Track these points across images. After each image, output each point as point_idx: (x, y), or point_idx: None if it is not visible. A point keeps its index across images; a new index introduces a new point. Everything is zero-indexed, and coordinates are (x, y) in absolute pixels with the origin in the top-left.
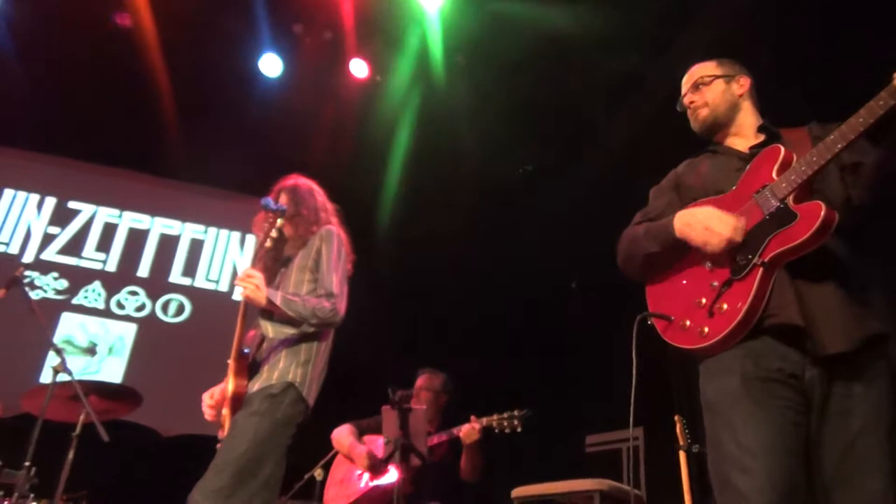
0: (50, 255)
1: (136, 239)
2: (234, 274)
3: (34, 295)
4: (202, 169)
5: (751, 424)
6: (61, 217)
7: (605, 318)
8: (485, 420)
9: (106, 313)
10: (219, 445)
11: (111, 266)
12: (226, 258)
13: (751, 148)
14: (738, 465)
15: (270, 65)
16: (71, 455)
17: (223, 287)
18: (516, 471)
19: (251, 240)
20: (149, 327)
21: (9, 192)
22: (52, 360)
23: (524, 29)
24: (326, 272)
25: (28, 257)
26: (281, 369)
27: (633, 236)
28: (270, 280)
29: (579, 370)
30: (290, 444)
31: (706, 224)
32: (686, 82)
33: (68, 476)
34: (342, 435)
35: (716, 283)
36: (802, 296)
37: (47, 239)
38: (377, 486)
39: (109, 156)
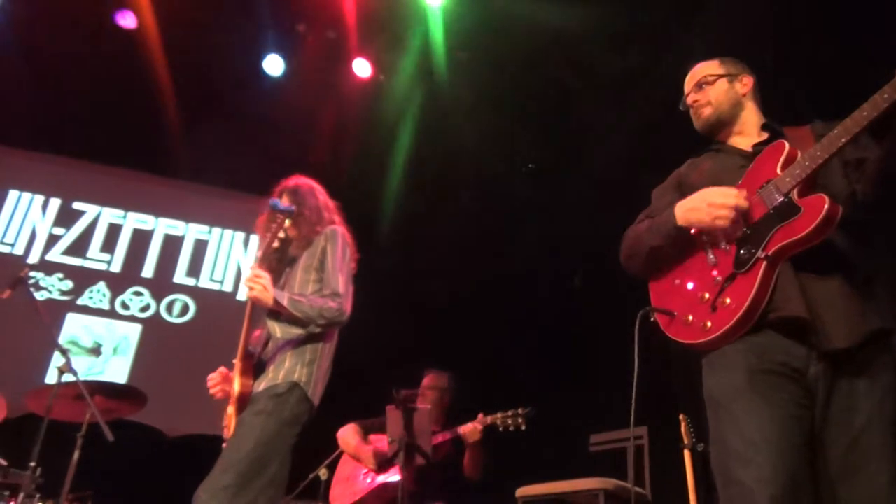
0: (55, 255)
1: (141, 239)
2: (239, 274)
3: (39, 296)
4: (206, 169)
5: (754, 418)
6: (66, 218)
7: (609, 316)
8: (489, 418)
9: (111, 314)
10: (224, 445)
11: (116, 267)
12: (230, 258)
13: (754, 146)
14: (742, 458)
15: (274, 64)
16: (76, 455)
17: (227, 287)
18: (521, 470)
19: (255, 240)
20: (153, 328)
21: (13, 193)
22: (57, 360)
23: (526, 26)
24: (332, 272)
25: (33, 258)
26: (286, 369)
27: (636, 233)
28: (276, 281)
29: (583, 368)
30: (295, 444)
31: (708, 201)
32: (689, 81)
33: (74, 476)
34: (348, 434)
35: (719, 278)
36: (807, 290)
37: (52, 240)
38: (382, 485)
39: (114, 156)
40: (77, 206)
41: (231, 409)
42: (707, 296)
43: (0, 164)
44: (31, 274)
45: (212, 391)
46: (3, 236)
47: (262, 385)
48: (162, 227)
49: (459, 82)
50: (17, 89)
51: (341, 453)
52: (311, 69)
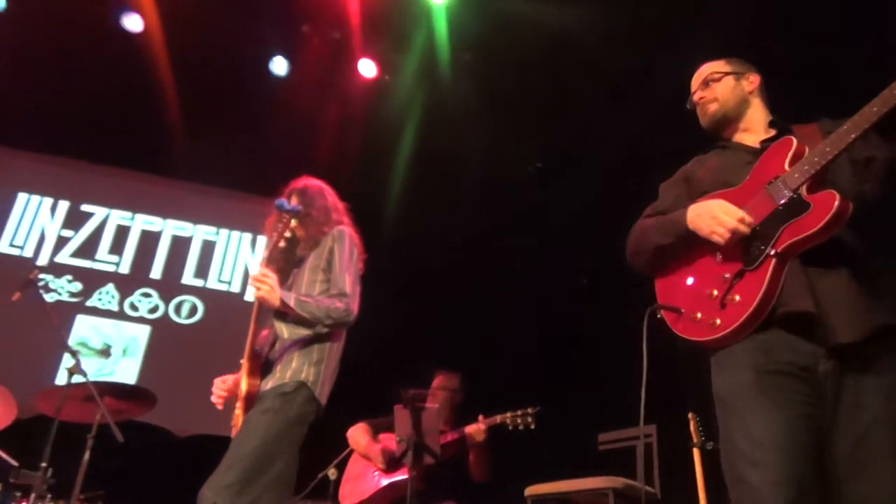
0: (64, 257)
1: (149, 241)
2: (247, 275)
3: (49, 298)
4: (214, 171)
5: (762, 418)
6: (74, 220)
7: (616, 315)
8: (498, 418)
9: (120, 315)
10: None
11: (124, 268)
12: (237, 259)
13: (762, 142)
14: (750, 458)
15: (279, 65)
16: (87, 456)
17: (235, 288)
18: (529, 469)
19: (262, 241)
20: (162, 329)
21: (23, 196)
22: (67, 361)
23: (531, 25)
24: (339, 272)
25: (42, 260)
26: (294, 368)
27: (643, 229)
28: (283, 281)
29: (591, 367)
30: (304, 443)
31: (713, 214)
32: (695, 80)
33: (84, 476)
34: (358, 433)
35: (727, 275)
36: (815, 285)
37: (61, 242)
38: (391, 484)
39: (121, 159)
40: (85, 208)
41: (238, 409)
42: (715, 293)
43: (9, 167)
44: (41, 276)
45: (215, 398)
46: (13, 239)
47: (269, 384)
48: (170, 228)
49: (463, 82)
50: (25, 92)
51: (351, 452)
52: (317, 70)
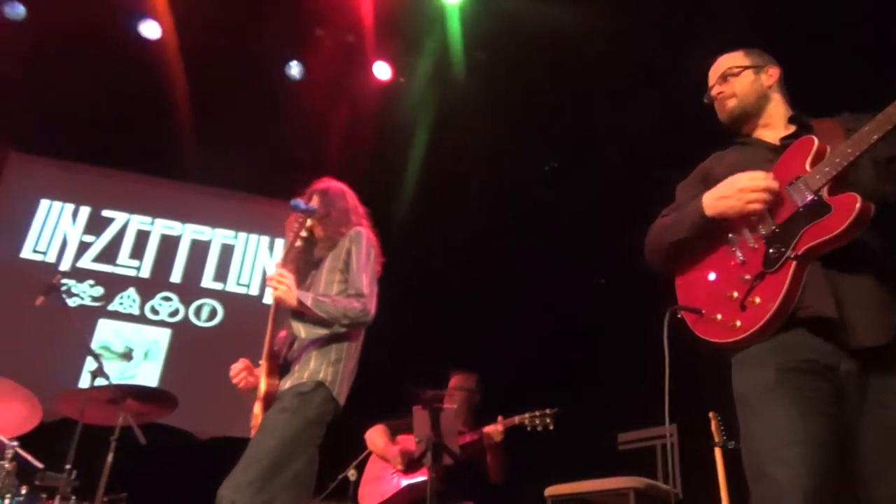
0: (85, 262)
1: (169, 245)
2: (265, 277)
3: (72, 302)
4: (231, 175)
5: (783, 416)
6: (95, 225)
7: (634, 314)
8: (516, 418)
9: (141, 319)
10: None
11: (145, 272)
12: (256, 262)
13: (782, 139)
14: (772, 456)
15: (294, 69)
16: (110, 458)
17: (254, 291)
18: (549, 469)
19: (280, 244)
20: (182, 332)
21: (45, 203)
22: (90, 365)
23: (543, 24)
24: (356, 272)
25: (65, 265)
26: (312, 368)
27: (661, 227)
28: (302, 282)
29: (609, 367)
30: (324, 444)
31: (738, 186)
32: (713, 74)
33: (108, 478)
34: (376, 435)
35: (747, 276)
36: (836, 288)
37: (83, 247)
38: (410, 485)
39: (140, 164)
40: (106, 213)
41: (257, 409)
42: (736, 294)
43: (31, 174)
44: (63, 281)
45: (235, 380)
46: (36, 245)
47: (287, 384)
48: (189, 232)
49: (476, 82)
50: (45, 100)
51: (370, 454)
52: (331, 73)
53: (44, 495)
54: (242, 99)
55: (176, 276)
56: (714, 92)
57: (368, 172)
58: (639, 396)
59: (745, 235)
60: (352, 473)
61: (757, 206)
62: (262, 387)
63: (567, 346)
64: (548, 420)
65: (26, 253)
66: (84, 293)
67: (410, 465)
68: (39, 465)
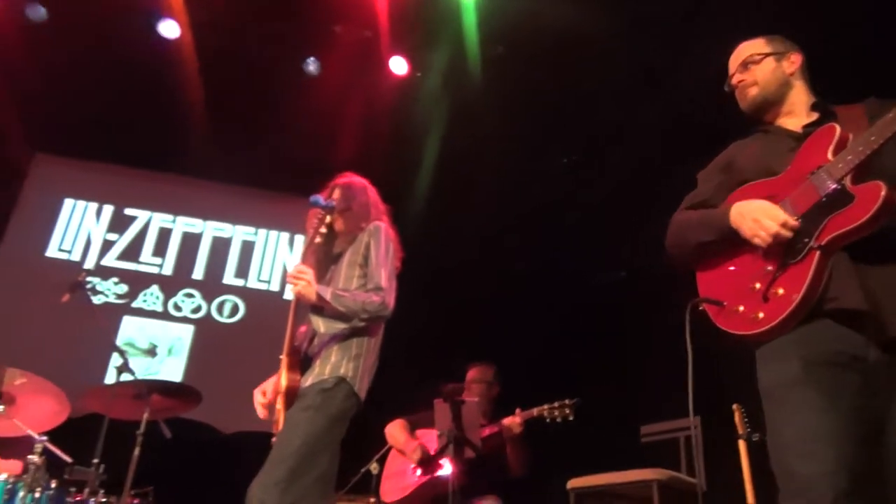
0: (110, 260)
1: (190, 242)
2: (285, 274)
3: (96, 300)
4: (250, 172)
5: (811, 410)
6: (119, 224)
7: (656, 307)
8: (535, 410)
9: (164, 315)
10: (273, 440)
11: (167, 269)
12: (276, 258)
13: (804, 127)
14: (800, 451)
15: (312, 66)
16: (136, 452)
17: (275, 287)
18: (571, 462)
19: (300, 240)
20: (205, 328)
21: (69, 202)
22: (115, 361)
23: (560, 18)
24: (375, 266)
25: (89, 263)
26: (333, 364)
27: (686, 223)
28: (322, 276)
29: (630, 360)
30: (346, 439)
31: (755, 216)
32: (734, 61)
33: (135, 472)
34: (395, 429)
35: (770, 268)
36: (865, 278)
37: (106, 245)
38: (432, 479)
39: (161, 162)
40: (129, 212)
41: (279, 404)
42: (758, 286)
43: (55, 174)
44: (88, 279)
45: (259, 412)
46: (61, 243)
47: (308, 380)
48: (210, 230)
49: (493, 77)
50: (66, 101)
51: (391, 448)
52: (348, 69)
53: (73, 489)
54: (260, 96)
55: (198, 272)
56: (735, 80)
57: (385, 168)
58: (655, 389)
59: None
60: (374, 467)
61: (760, 242)
62: (284, 382)
63: (586, 340)
64: (567, 411)
65: (52, 252)
66: (108, 291)
67: (429, 460)
68: (68, 459)
